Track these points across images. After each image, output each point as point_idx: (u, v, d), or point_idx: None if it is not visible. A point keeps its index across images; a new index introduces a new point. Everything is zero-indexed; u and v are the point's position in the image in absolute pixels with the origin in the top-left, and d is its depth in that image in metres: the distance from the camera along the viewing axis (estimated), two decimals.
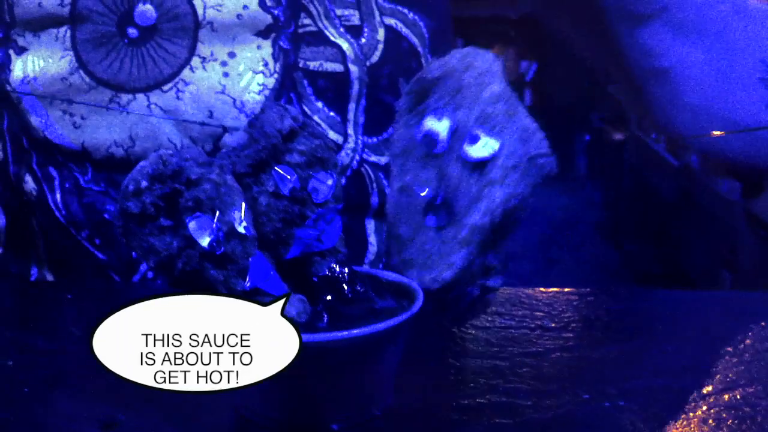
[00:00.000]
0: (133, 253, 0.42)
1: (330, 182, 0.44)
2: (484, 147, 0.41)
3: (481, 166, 0.42)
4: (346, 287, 0.42)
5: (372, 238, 0.70)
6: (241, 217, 0.40)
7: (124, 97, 0.64)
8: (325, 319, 0.41)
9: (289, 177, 0.43)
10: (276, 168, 0.43)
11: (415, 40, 0.71)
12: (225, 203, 0.39)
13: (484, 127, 0.42)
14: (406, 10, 0.71)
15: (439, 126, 0.44)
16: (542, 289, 0.59)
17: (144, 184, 0.39)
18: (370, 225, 0.70)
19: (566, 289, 0.59)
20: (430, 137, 0.44)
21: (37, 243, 0.69)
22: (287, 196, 0.43)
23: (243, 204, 0.40)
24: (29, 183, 0.67)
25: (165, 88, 0.64)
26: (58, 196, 0.66)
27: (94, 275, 0.67)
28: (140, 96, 0.64)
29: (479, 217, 0.41)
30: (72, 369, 0.49)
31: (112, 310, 0.36)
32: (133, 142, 0.64)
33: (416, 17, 0.71)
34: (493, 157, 0.42)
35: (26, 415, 0.43)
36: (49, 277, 0.69)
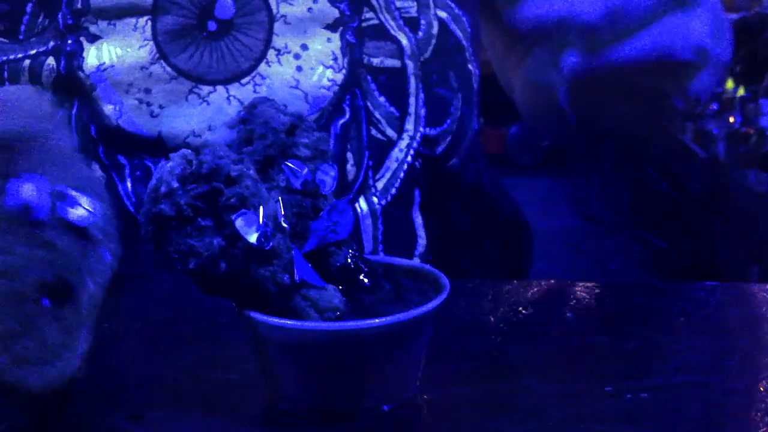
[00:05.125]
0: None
1: (333, 173, 0.45)
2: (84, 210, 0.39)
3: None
4: (365, 276, 0.44)
5: (421, 232, 0.72)
6: (282, 210, 0.41)
7: (204, 89, 0.67)
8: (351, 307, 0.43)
9: (300, 170, 0.44)
10: (287, 162, 0.44)
11: (460, 34, 0.74)
12: (263, 198, 0.40)
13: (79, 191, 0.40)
14: (452, 5, 0.73)
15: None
16: (563, 281, 0.60)
17: (175, 184, 0.39)
18: (418, 218, 0.72)
19: (589, 283, 0.60)
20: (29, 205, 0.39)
21: None
22: (299, 189, 0.44)
23: (280, 198, 0.41)
24: (96, 171, 0.69)
25: (243, 81, 0.67)
26: (128, 184, 0.68)
27: (157, 265, 0.68)
28: (220, 88, 0.67)
29: (93, 287, 0.39)
30: (100, 361, 0.51)
31: None
32: (212, 132, 0.66)
33: (460, 12, 0.74)
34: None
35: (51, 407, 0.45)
36: None
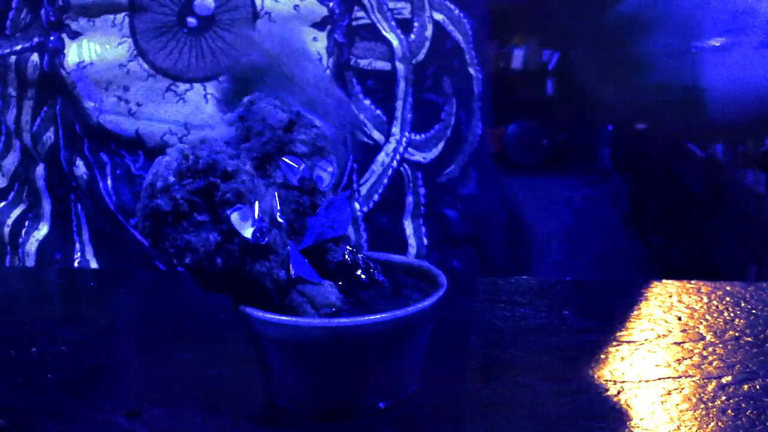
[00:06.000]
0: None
1: (331, 170, 0.45)
2: None
3: None
4: (362, 272, 0.44)
5: (411, 240, 0.71)
6: (278, 206, 0.41)
7: (181, 86, 0.66)
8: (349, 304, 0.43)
9: (297, 167, 0.44)
10: (284, 159, 0.44)
11: (459, 37, 0.73)
12: (259, 194, 0.40)
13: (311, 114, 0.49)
14: (452, 6, 0.72)
15: None
16: (561, 279, 0.60)
17: (172, 179, 0.39)
18: (408, 226, 0.71)
19: (585, 280, 0.60)
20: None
21: (81, 229, 0.71)
22: (297, 186, 0.44)
23: (276, 193, 0.41)
24: (80, 168, 0.69)
25: (222, 79, 0.66)
26: (109, 182, 0.68)
27: (139, 263, 0.68)
28: (197, 86, 0.66)
29: None
30: (98, 359, 0.51)
31: None
32: (188, 130, 0.66)
33: (461, 14, 0.73)
34: None
35: (51, 403, 0.45)
36: (93, 264, 0.71)
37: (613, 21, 0.81)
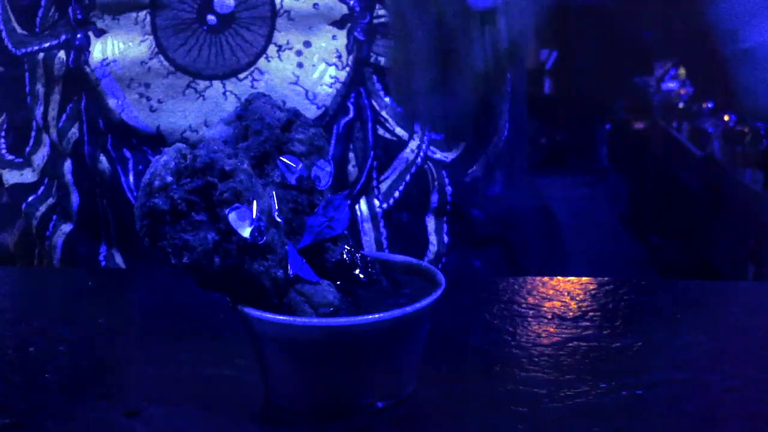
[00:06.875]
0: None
1: (329, 169, 0.45)
2: None
3: None
4: (361, 271, 0.44)
5: (432, 237, 0.71)
6: (276, 205, 0.41)
7: (201, 84, 0.67)
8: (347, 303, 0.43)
9: (295, 166, 0.44)
10: (282, 158, 0.44)
11: None
12: (258, 193, 0.40)
13: None
14: None
15: None
16: (560, 278, 0.60)
17: (169, 179, 0.39)
18: (431, 223, 0.71)
19: (584, 279, 0.60)
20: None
21: (107, 223, 0.71)
22: (294, 185, 0.44)
23: (274, 192, 0.41)
24: (103, 163, 0.70)
25: (241, 76, 0.67)
26: (131, 177, 0.69)
27: (161, 257, 0.69)
28: (216, 83, 0.67)
29: None
30: (97, 358, 0.51)
31: None
32: (209, 127, 0.66)
33: None
34: None
35: (50, 402, 0.45)
36: (118, 257, 0.72)
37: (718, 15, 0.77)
